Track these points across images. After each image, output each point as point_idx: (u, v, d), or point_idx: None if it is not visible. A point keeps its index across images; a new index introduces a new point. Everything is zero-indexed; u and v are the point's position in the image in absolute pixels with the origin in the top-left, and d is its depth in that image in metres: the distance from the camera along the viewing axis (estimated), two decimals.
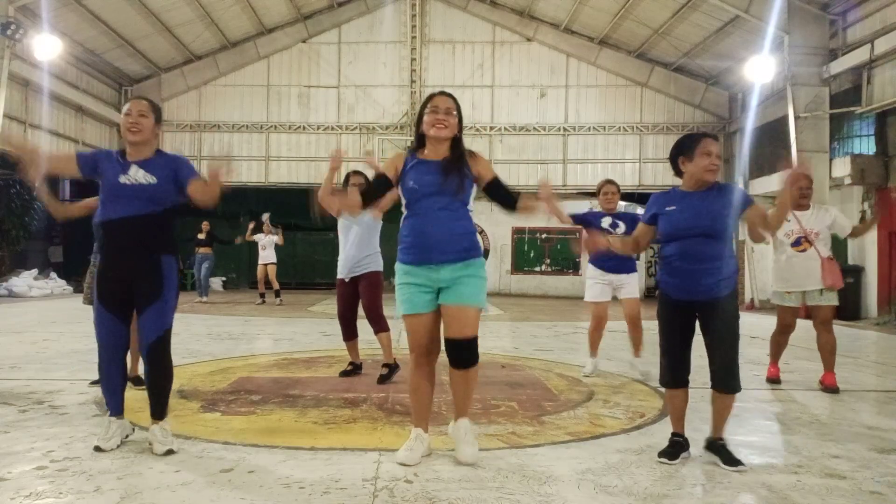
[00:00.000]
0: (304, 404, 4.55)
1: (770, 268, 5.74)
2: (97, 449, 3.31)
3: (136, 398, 4.57)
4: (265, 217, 14.63)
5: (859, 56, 13.30)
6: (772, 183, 15.98)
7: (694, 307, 3.35)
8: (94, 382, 4.99)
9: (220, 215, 19.74)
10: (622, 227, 5.72)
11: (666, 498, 2.89)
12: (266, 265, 14.69)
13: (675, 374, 3.41)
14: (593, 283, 5.82)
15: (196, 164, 20.04)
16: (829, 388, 5.34)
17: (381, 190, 3.45)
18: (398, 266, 3.42)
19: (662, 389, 3.69)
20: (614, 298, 5.93)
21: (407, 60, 19.84)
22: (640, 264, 20.33)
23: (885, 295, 13.13)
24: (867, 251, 13.80)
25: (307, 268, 20.47)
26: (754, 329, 9.00)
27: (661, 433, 3.83)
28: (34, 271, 16.54)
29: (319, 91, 20.05)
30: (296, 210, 19.76)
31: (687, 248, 3.31)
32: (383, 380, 5.38)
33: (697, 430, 3.59)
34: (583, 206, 20.39)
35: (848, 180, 13.45)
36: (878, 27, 13.11)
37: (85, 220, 4.72)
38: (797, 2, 14.28)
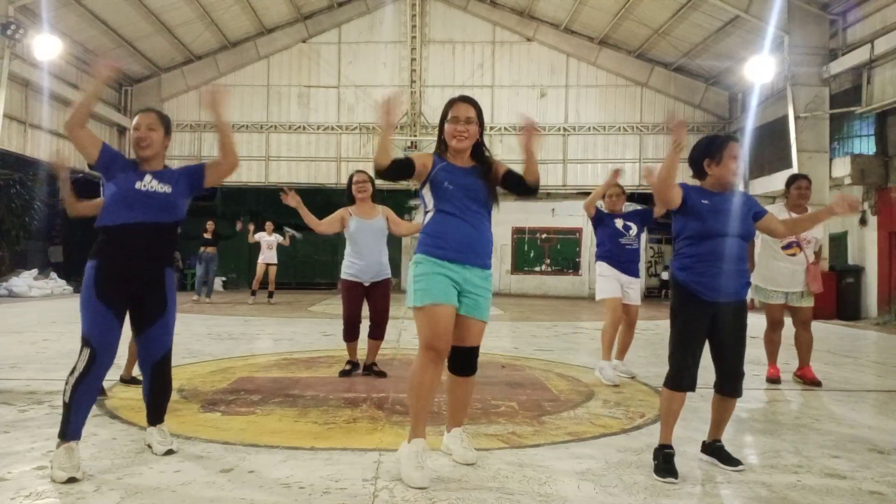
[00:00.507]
0: (304, 404, 4.55)
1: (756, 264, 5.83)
2: (71, 480, 2.89)
3: (135, 397, 4.57)
4: (290, 231, 14.55)
5: (859, 56, 13.31)
6: (772, 183, 16.00)
7: (716, 308, 3.32)
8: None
9: (221, 215, 19.73)
10: (634, 228, 5.76)
11: (666, 498, 2.89)
12: (268, 265, 14.67)
13: (692, 377, 3.34)
14: (609, 279, 5.72)
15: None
16: (812, 381, 5.59)
17: (404, 170, 3.29)
18: (423, 258, 3.25)
19: (661, 389, 3.68)
20: None
21: (407, 60, 19.84)
22: (640, 264, 20.34)
23: (885, 295, 13.13)
24: (867, 251, 13.81)
25: (307, 268, 20.49)
26: (753, 329, 9.00)
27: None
28: (34, 271, 16.54)
29: (319, 91, 20.07)
30: (296, 210, 19.78)
31: (721, 248, 3.28)
32: (382, 375, 5.53)
33: (697, 430, 3.59)
34: (582, 207, 20.38)
35: (848, 180, 13.45)
36: (878, 27, 13.12)
37: (87, 220, 4.71)
38: (797, 2, 14.29)
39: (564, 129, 19.80)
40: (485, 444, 3.63)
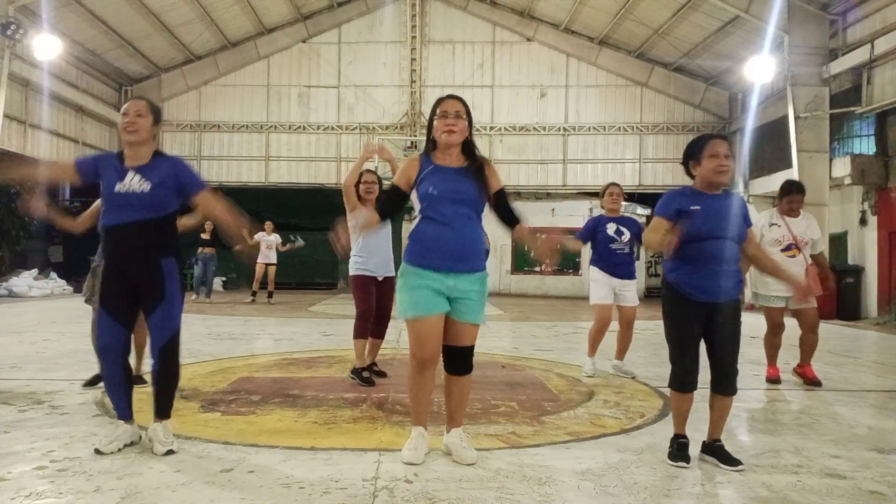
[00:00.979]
0: (304, 404, 4.55)
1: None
2: (97, 452, 3.29)
3: (135, 398, 4.57)
4: (298, 242, 14.56)
5: (859, 56, 13.31)
6: (772, 183, 16.00)
7: (709, 308, 3.34)
8: (87, 384, 4.96)
9: None
10: (627, 233, 5.77)
11: (666, 498, 2.89)
12: (267, 265, 14.67)
13: (693, 378, 3.37)
14: (600, 285, 5.82)
15: (196, 164, 20.03)
16: (812, 380, 5.56)
17: (396, 202, 3.40)
18: (408, 268, 3.34)
19: (663, 389, 3.69)
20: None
21: (407, 60, 19.84)
22: (640, 264, 20.32)
23: (885, 295, 13.13)
24: (867, 251, 13.81)
25: (307, 268, 20.46)
26: (753, 329, 9.00)
27: (662, 433, 3.83)
28: (34, 271, 16.53)
29: (319, 91, 20.07)
30: (296, 210, 19.78)
31: (711, 249, 3.29)
32: (382, 375, 5.54)
33: (697, 430, 3.59)
34: (583, 207, 20.45)
35: (848, 180, 13.45)
36: (878, 27, 13.12)
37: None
38: (797, 2, 14.29)
39: (564, 129, 19.80)
40: (485, 444, 3.63)
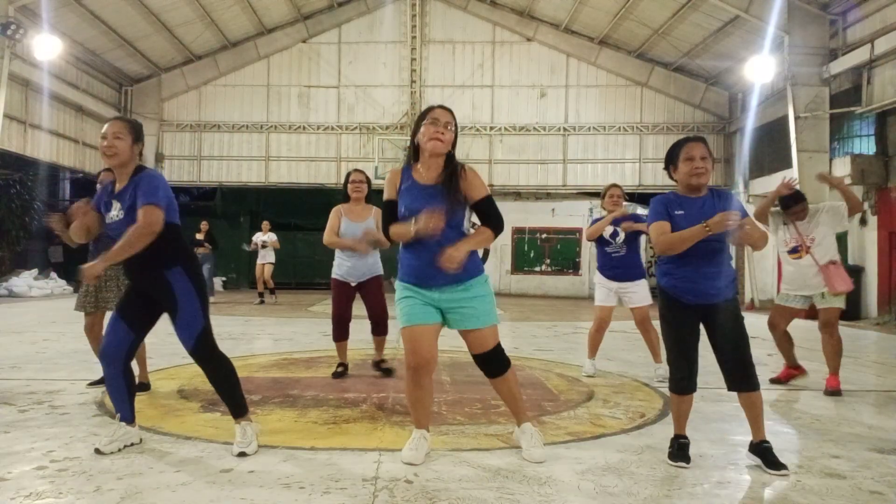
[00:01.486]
0: (304, 404, 4.55)
1: (770, 268, 5.78)
2: (97, 451, 3.31)
3: (136, 398, 4.58)
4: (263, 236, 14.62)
5: (859, 56, 13.31)
6: (772, 183, 16.00)
7: (702, 310, 3.34)
8: (92, 383, 4.99)
9: (221, 215, 19.75)
10: (622, 234, 5.75)
11: (666, 498, 2.89)
12: (264, 264, 14.65)
13: (691, 380, 3.37)
14: (600, 287, 5.88)
15: (196, 164, 19.95)
16: (829, 390, 5.28)
17: (396, 216, 3.37)
18: (399, 284, 3.42)
19: (663, 389, 3.69)
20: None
21: (407, 60, 19.84)
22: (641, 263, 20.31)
23: (885, 295, 13.13)
24: (867, 251, 13.80)
25: (307, 268, 20.48)
26: (754, 329, 8.99)
27: (661, 433, 3.83)
28: (34, 271, 16.53)
29: (319, 91, 20.06)
30: (296, 210, 19.79)
31: (695, 253, 3.29)
32: (388, 373, 5.58)
33: (697, 430, 3.59)
34: (583, 207, 20.43)
35: (848, 180, 13.43)
36: (878, 27, 13.11)
37: None
38: (797, 2, 14.29)
39: (564, 129, 19.80)
40: (485, 444, 3.63)
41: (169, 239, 3.38)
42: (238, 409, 3.46)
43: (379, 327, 5.63)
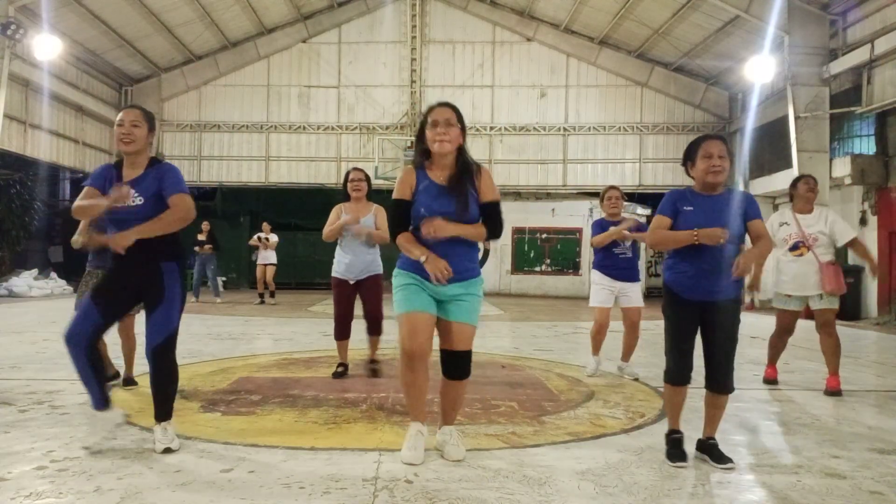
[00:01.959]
0: (304, 404, 4.55)
1: (771, 268, 5.73)
2: (166, 451, 3.33)
3: (136, 398, 4.58)
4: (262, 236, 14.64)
5: (859, 56, 13.31)
6: (772, 183, 16.01)
7: (704, 307, 3.36)
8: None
9: (221, 216, 19.74)
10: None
11: (666, 498, 2.89)
12: (266, 265, 14.65)
13: (684, 371, 3.41)
14: (600, 288, 5.83)
15: (196, 164, 19.94)
16: (829, 390, 5.28)
17: (407, 216, 3.39)
18: (401, 272, 3.41)
19: (661, 389, 3.69)
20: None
21: (407, 60, 19.84)
22: (640, 264, 20.31)
23: (885, 295, 13.12)
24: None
25: (307, 268, 20.47)
26: (754, 329, 9.00)
27: (662, 433, 3.82)
28: (34, 271, 16.53)
29: (319, 91, 20.07)
30: (296, 210, 19.78)
31: (704, 250, 3.30)
32: (375, 374, 5.58)
33: (697, 430, 3.59)
34: (583, 207, 20.41)
35: (848, 180, 13.45)
36: (878, 27, 13.12)
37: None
38: (797, 2, 14.29)
39: (564, 129, 19.80)
40: (485, 444, 3.63)
41: (174, 233, 3.46)
42: (168, 413, 3.48)
43: (373, 326, 5.62)
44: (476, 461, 3.31)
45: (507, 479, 3.07)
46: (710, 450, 3.38)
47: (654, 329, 9.72)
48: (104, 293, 3.46)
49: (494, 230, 3.38)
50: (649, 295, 19.46)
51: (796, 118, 14.24)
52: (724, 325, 3.34)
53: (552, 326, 10.88)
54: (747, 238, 3.40)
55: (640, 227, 5.79)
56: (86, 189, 3.47)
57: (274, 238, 14.56)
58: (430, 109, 3.40)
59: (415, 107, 19.64)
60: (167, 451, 3.33)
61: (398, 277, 3.42)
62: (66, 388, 4.94)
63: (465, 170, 3.37)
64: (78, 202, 3.39)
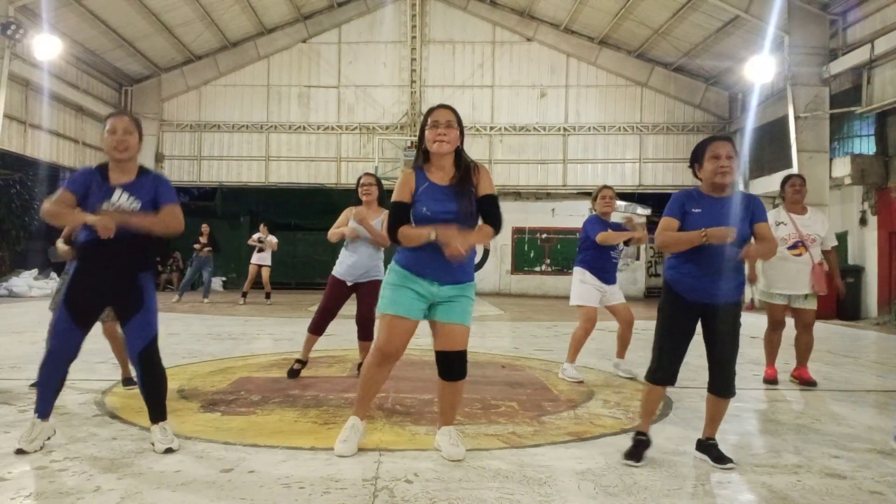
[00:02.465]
0: (304, 404, 4.55)
1: (761, 266, 5.83)
2: (19, 452, 3.26)
3: (135, 398, 4.58)
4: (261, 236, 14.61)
5: (859, 56, 13.31)
6: (772, 183, 15.99)
7: (704, 309, 3.35)
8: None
9: (221, 216, 19.74)
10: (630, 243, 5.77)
11: (666, 498, 2.89)
12: (260, 266, 14.51)
13: (669, 372, 3.40)
14: (589, 287, 5.80)
15: (196, 164, 19.89)
16: (808, 381, 5.58)
17: (406, 218, 3.39)
18: (396, 268, 3.41)
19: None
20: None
21: (407, 60, 19.85)
22: (640, 264, 20.31)
23: (885, 295, 13.13)
24: (867, 251, 13.81)
25: (307, 268, 20.46)
26: (754, 329, 9.00)
27: (662, 433, 3.84)
28: (34, 271, 16.53)
29: (319, 91, 20.07)
30: (296, 210, 19.78)
31: (709, 252, 3.29)
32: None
33: (697, 430, 3.59)
34: (583, 207, 20.45)
35: (848, 180, 13.45)
36: (878, 27, 13.12)
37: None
38: (797, 2, 14.29)
39: (564, 129, 19.80)
40: (485, 444, 3.63)
41: (153, 243, 3.47)
42: (162, 413, 3.49)
43: (363, 331, 5.58)
44: (476, 461, 3.31)
45: (507, 479, 3.07)
46: (709, 450, 3.38)
47: (651, 329, 9.72)
48: (77, 301, 3.40)
49: (495, 223, 3.39)
50: (648, 295, 19.48)
51: (796, 118, 14.24)
52: (725, 329, 3.33)
53: (552, 326, 10.88)
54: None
55: (623, 229, 5.77)
56: (62, 192, 3.38)
57: (272, 239, 14.46)
58: (431, 111, 3.42)
59: (415, 107, 19.64)
60: (168, 451, 3.33)
61: (391, 274, 3.44)
62: (66, 388, 4.93)
63: (466, 170, 3.40)
64: (51, 206, 3.29)
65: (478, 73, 19.93)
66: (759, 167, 17.10)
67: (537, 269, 20.61)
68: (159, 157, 19.60)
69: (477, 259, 18.56)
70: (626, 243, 5.79)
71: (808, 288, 5.57)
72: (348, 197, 5.69)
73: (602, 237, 5.64)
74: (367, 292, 5.57)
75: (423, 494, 2.84)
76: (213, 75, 19.91)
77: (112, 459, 3.23)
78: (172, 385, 5.07)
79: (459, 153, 3.44)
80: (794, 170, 13.85)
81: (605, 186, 6.00)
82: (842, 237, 14.54)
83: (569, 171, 19.84)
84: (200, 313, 11.63)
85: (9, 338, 7.92)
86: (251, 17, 18.83)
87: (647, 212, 18.25)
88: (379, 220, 5.59)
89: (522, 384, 5.46)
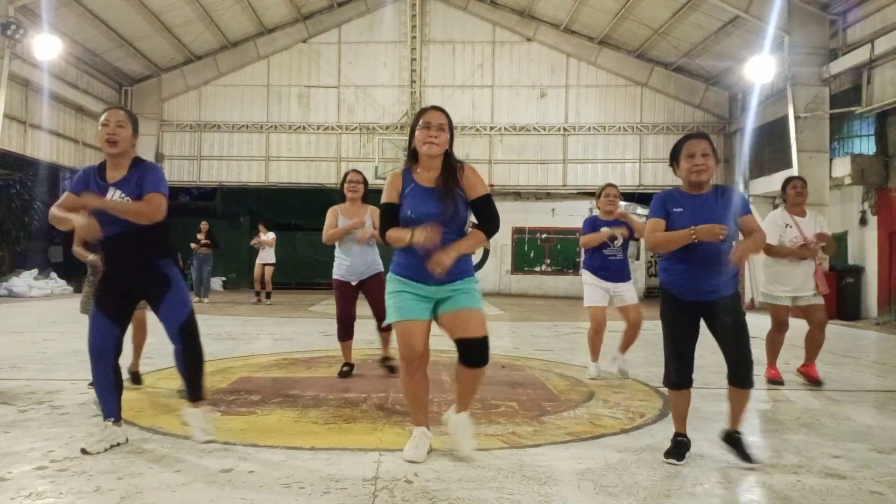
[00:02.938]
0: (304, 404, 4.55)
1: (762, 265, 5.84)
2: (83, 451, 3.28)
3: (135, 398, 4.58)
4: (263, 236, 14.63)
5: (859, 56, 13.31)
6: (772, 183, 16.00)
7: (701, 307, 3.36)
8: (92, 384, 4.98)
9: (221, 216, 19.74)
10: (620, 238, 5.74)
11: (666, 498, 2.89)
12: (264, 265, 14.61)
13: (683, 375, 3.40)
14: (593, 288, 5.81)
15: (196, 164, 19.92)
16: (814, 380, 5.61)
17: (395, 219, 3.39)
18: (393, 277, 3.42)
19: (663, 389, 3.69)
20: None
21: (407, 60, 19.84)
22: (640, 264, 20.31)
23: (885, 295, 13.12)
24: (867, 251, 13.81)
25: (307, 268, 20.47)
26: (753, 329, 8.98)
27: (662, 433, 3.83)
28: (34, 271, 16.53)
29: (319, 91, 20.06)
30: (296, 210, 19.78)
31: (693, 250, 3.30)
32: (392, 370, 5.50)
33: (697, 430, 3.59)
34: (583, 207, 20.44)
35: (848, 180, 13.45)
36: (878, 27, 13.11)
37: None
38: (797, 2, 14.29)
39: (564, 129, 19.79)
40: (485, 444, 3.63)
41: (166, 229, 3.53)
42: (199, 391, 3.53)
43: (382, 323, 5.63)
44: (476, 461, 3.31)
45: (507, 479, 3.07)
46: (735, 444, 3.37)
47: (652, 329, 9.73)
48: (108, 300, 3.47)
49: (490, 225, 3.38)
50: (648, 295, 19.48)
51: (796, 118, 14.24)
52: (728, 321, 3.34)
53: (552, 326, 10.88)
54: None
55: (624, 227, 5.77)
56: (66, 195, 3.46)
57: (269, 237, 14.46)
58: (423, 111, 3.41)
59: (415, 107, 19.62)
60: (210, 442, 3.39)
61: (390, 283, 3.44)
62: (66, 388, 4.94)
63: (451, 172, 3.37)
64: (56, 210, 3.39)
65: (478, 73, 19.92)
66: (759, 167, 17.10)
67: (537, 269, 20.62)
68: (159, 157, 19.58)
69: (477, 259, 18.59)
70: (631, 239, 5.79)
71: (813, 289, 5.59)
72: (345, 198, 5.69)
73: (581, 241, 5.78)
74: (373, 286, 5.59)
75: (423, 494, 2.84)
76: (213, 75, 19.90)
77: (112, 459, 3.23)
78: (172, 385, 5.09)
79: (448, 156, 3.42)
80: (794, 170, 13.86)
81: (610, 184, 5.97)
82: (842, 237, 14.54)
83: (569, 171, 19.83)
84: (200, 313, 11.57)
85: (9, 338, 7.91)
86: (251, 17, 18.83)
87: (647, 212, 18.24)
88: (367, 217, 5.60)
89: (522, 384, 5.46)
